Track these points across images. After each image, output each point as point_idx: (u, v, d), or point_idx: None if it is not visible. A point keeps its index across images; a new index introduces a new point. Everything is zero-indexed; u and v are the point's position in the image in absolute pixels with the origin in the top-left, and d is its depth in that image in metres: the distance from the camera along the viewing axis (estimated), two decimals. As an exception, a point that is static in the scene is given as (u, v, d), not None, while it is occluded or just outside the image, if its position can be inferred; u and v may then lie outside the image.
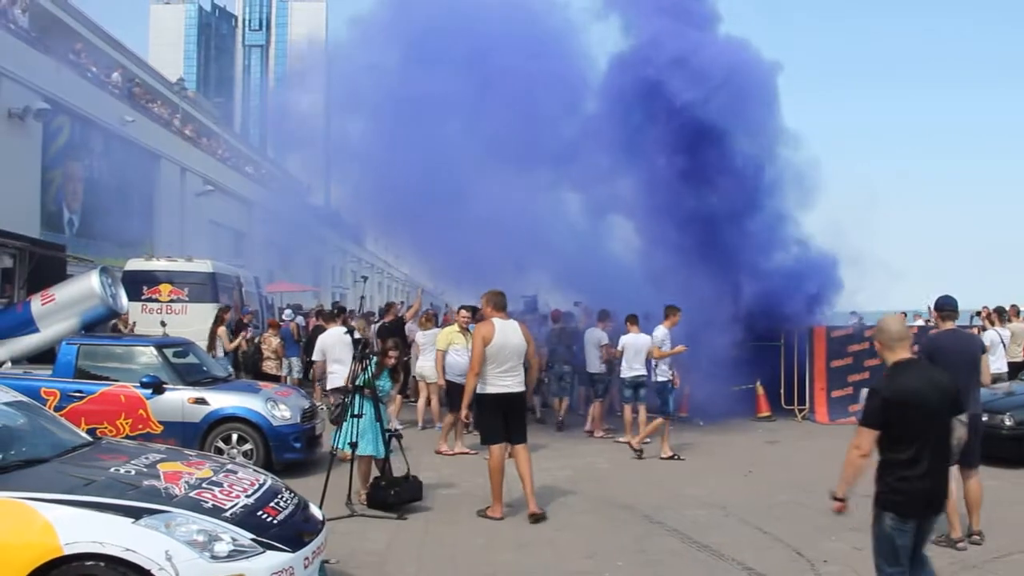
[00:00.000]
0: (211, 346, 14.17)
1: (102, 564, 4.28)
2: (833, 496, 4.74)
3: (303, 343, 17.31)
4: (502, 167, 15.20)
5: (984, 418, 9.74)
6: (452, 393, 11.38)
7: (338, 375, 10.78)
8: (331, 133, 18.98)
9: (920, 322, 17.45)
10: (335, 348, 11.04)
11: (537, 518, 7.76)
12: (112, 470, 5.07)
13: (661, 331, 11.30)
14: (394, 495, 8.03)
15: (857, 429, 4.73)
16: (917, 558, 4.79)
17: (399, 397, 12.98)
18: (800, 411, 14.77)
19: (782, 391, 14.97)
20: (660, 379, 11.33)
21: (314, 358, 11.96)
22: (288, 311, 14.24)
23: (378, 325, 15.13)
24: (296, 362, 17.00)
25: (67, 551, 4.24)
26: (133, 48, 37.07)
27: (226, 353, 14.42)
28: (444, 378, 11.61)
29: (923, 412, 4.57)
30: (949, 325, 7.17)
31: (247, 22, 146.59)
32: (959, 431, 4.74)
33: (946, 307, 7.15)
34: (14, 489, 4.53)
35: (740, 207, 14.58)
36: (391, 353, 8.80)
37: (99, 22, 31.17)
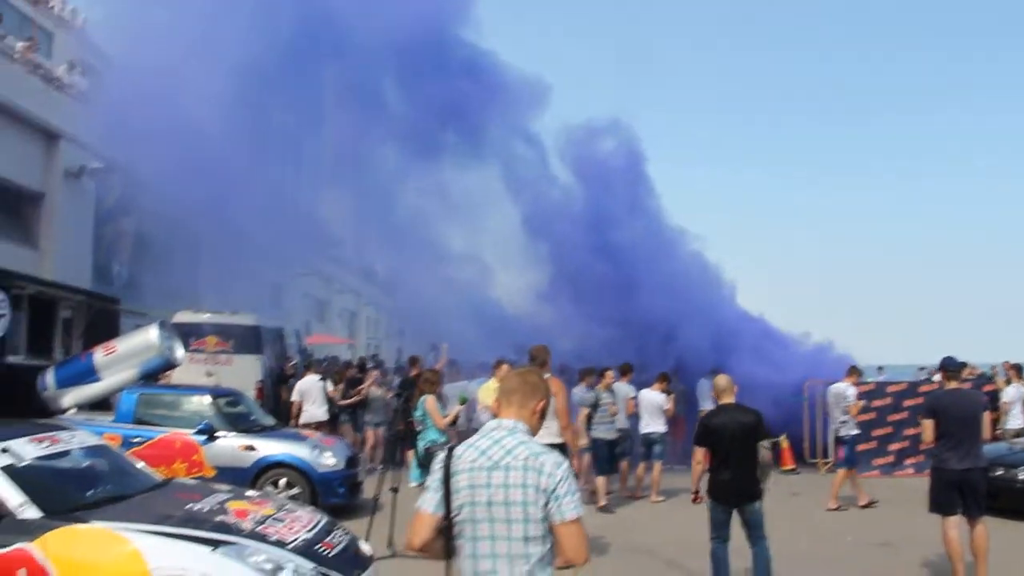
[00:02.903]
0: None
1: (184, 588, 4.85)
2: (691, 490, 7.26)
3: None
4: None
5: (999, 472, 10.23)
6: None
7: (309, 414, 13.62)
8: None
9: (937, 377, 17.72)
10: (310, 392, 13.79)
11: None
12: (188, 506, 5.70)
13: (852, 389, 11.88)
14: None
15: (694, 448, 7.05)
16: (754, 537, 6.88)
17: None
18: (824, 464, 15.09)
19: (806, 444, 15.33)
20: (853, 432, 11.75)
21: (292, 398, 14.12)
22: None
23: (403, 379, 15.25)
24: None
25: (155, 575, 4.84)
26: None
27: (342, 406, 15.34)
28: None
29: (727, 437, 6.77)
30: (953, 384, 7.66)
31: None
32: (762, 453, 6.76)
33: (949, 367, 7.66)
34: (106, 520, 5.16)
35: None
36: (432, 379, 9.72)
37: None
